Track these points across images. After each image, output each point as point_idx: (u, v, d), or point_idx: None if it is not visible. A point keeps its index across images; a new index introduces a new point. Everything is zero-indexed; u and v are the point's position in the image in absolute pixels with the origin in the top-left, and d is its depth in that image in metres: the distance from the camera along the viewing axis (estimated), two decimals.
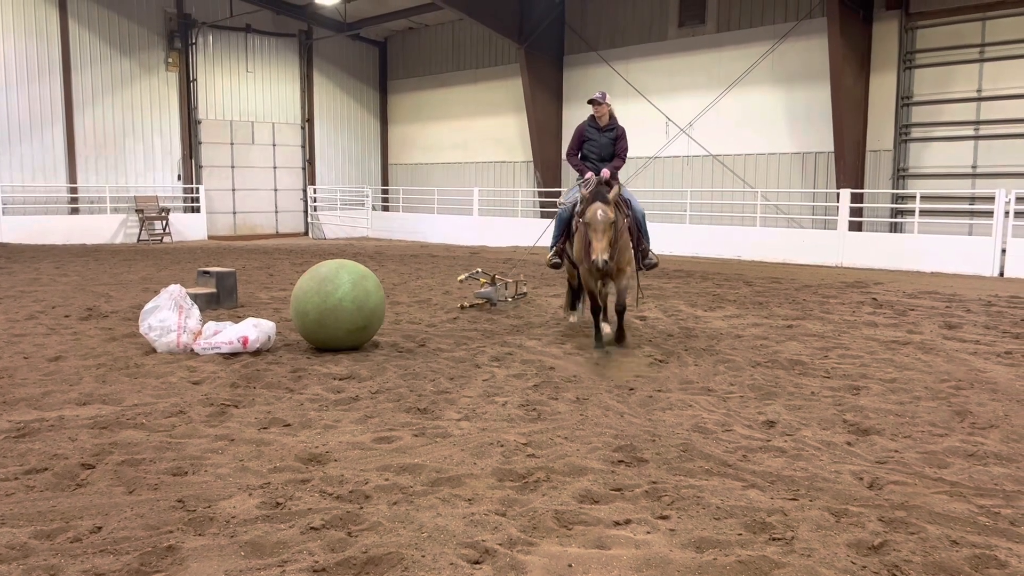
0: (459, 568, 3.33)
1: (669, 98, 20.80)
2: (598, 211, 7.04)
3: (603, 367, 7.14)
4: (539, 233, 21.22)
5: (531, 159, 23.52)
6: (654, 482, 4.33)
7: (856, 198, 17.09)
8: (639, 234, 8.00)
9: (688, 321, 9.61)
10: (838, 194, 17.01)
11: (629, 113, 21.64)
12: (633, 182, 21.45)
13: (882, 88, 17.38)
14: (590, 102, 8.31)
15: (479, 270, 11.86)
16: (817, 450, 4.89)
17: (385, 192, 28.17)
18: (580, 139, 8.43)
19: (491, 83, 24.91)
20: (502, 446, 4.91)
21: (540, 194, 23.04)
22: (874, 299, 11.49)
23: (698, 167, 20.65)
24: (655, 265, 8.31)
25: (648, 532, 3.70)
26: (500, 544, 3.55)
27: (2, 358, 7.36)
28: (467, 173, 26.02)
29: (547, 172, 23.09)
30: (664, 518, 3.86)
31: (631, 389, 6.37)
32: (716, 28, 19.96)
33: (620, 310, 7.88)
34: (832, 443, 5.02)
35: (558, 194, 22.52)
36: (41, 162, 22.06)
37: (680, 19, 20.63)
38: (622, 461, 4.67)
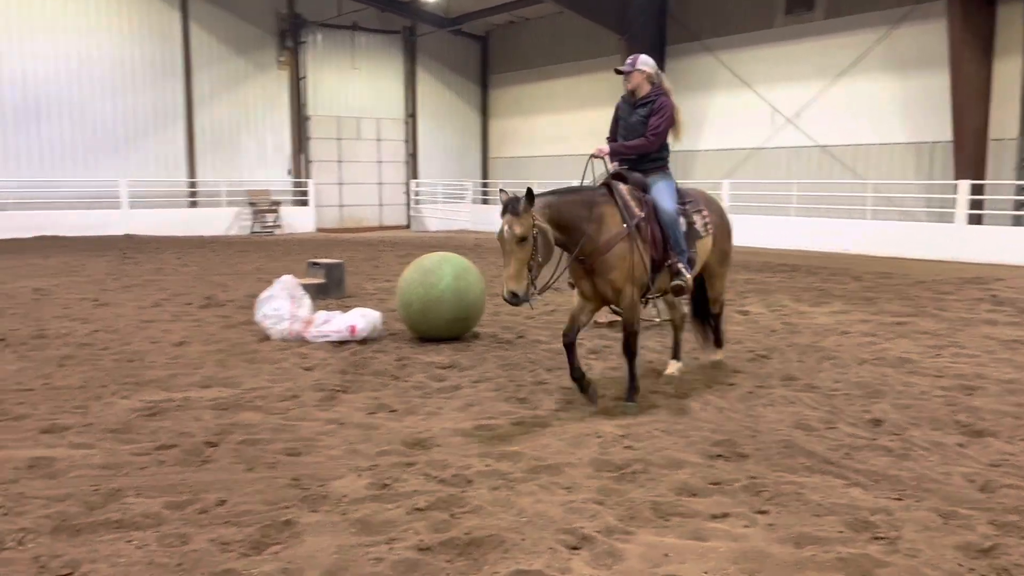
0: (557, 552, 3.43)
1: (775, 88, 20.28)
2: (504, 226, 5.14)
3: (702, 361, 7.09)
4: None
5: None
6: (753, 477, 4.31)
7: (976, 189, 16.24)
8: (665, 245, 5.79)
9: (792, 317, 9.41)
10: (956, 185, 16.22)
11: (733, 104, 21.25)
12: (737, 174, 21.05)
13: (1007, 74, 16.43)
14: (618, 72, 6.33)
15: None
16: (926, 450, 4.75)
17: (485, 185, 28.52)
18: (615, 120, 6.38)
19: (591, 75, 24.83)
20: (599, 437, 4.98)
21: None
22: (994, 296, 10.94)
23: (805, 158, 20.05)
24: (682, 290, 5.93)
25: (746, 526, 3.71)
26: (598, 531, 3.63)
27: (132, 343, 7.90)
28: (567, 166, 26.02)
29: None
30: (763, 513, 3.85)
31: (731, 384, 6.31)
32: (825, 15, 19.31)
33: (625, 349, 5.77)
34: (942, 444, 4.87)
35: None
36: (164, 158, 23.37)
37: (787, 6, 20.06)
38: (721, 456, 4.66)
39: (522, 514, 3.82)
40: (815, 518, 3.79)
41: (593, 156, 5.93)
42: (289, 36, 24.89)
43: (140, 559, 3.38)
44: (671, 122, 6.01)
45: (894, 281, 12.58)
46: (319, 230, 25.25)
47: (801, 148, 20.04)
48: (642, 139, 5.95)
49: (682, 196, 6.10)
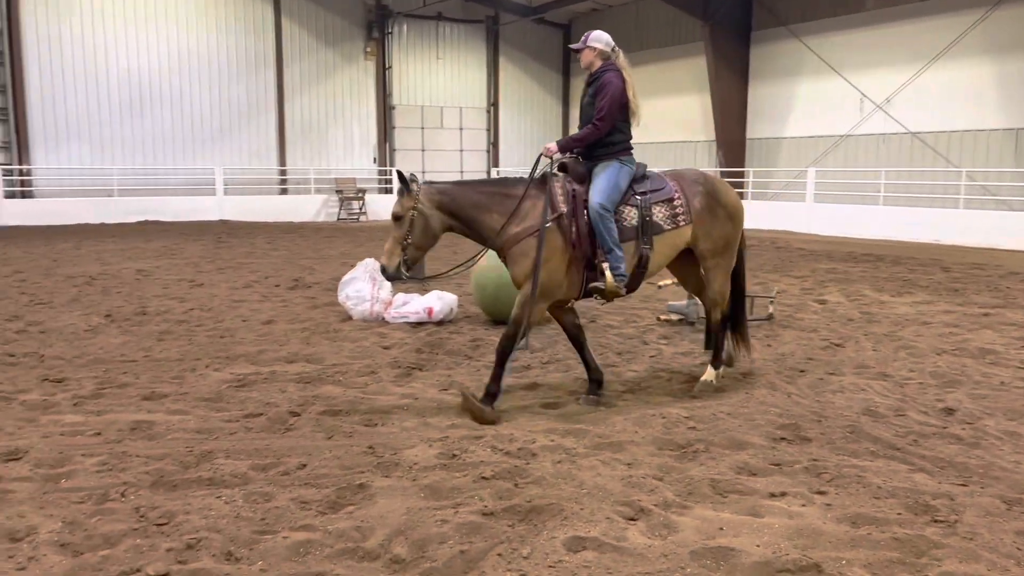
0: (614, 522, 3.57)
1: (864, 73, 19.68)
2: (394, 205, 5.28)
3: (776, 349, 7.07)
4: None
5: (714, 139, 23.06)
6: (815, 459, 4.35)
7: None
8: (592, 241, 5.26)
9: (872, 306, 9.24)
10: None
11: (820, 90, 20.73)
12: (823, 162, 20.55)
13: None
14: (572, 50, 6.00)
15: None
16: (998, 440, 4.69)
17: None
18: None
19: (673, 62, 24.59)
20: (664, 418, 5.08)
21: (723, 174, 22.55)
22: None
23: (895, 145, 19.43)
24: (601, 292, 5.31)
25: (803, 505, 3.77)
26: (655, 505, 3.76)
27: (225, 320, 8.37)
28: (647, 153, 25.80)
29: (730, 152, 22.57)
30: (821, 493, 3.91)
31: (801, 371, 6.30)
32: None
33: (498, 347, 5.33)
34: (1017, 434, 4.79)
35: (742, 174, 21.99)
36: (256, 147, 24.29)
37: None
38: (784, 439, 4.71)
39: (582, 486, 3.98)
40: (874, 500, 3.82)
41: (542, 155, 5.46)
42: (376, 27, 25.47)
43: (228, 513, 3.68)
44: (616, 101, 5.37)
45: (985, 272, 12.14)
46: None
47: (891, 135, 19.42)
48: (588, 126, 5.43)
49: (643, 184, 5.49)
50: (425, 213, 5.22)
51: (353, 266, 8.84)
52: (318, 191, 24.73)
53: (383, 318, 8.26)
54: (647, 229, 5.37)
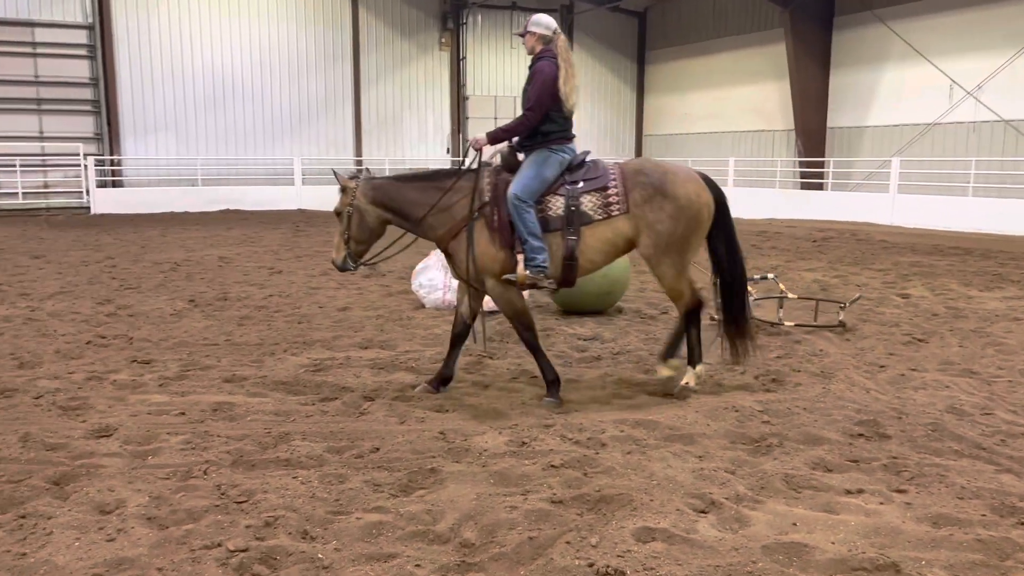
0: (684, 514, 3.54)
1: (954, 59, 18.87)
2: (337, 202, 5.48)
3: (855, 344, 6.88)
4: (797, 204, 20.35)
5: (792, 128, 22.48)
6: (894, 457, 4.22)
7: None
8: (513, 233, 5.15)
9: (959, 301, 8.88)
10: None
11: (906, 76, 19.99)
12: (909, 151, 19.82)
13: None
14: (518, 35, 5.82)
15: (770, 275, 8.21)
16: None
17: None
18: None
19: (752, 50, 24.04)
20: (737, 411, 5.00)
21: (801, 164, 21.99)
22: None
23: (987, 133, 18.59)
24: (519, 283, 5.18)
25: (881, 503, 3.67)
26: (727, 498, 3.71)
27: (302, 307, 8.58)
28: (723, 143, 25.42)
29: (809, 141, 21.96)
30: (901, 491, 3.79)
31: (882, 367, 6.12)
32: None
33: (525, 344, 5.47)
34: None
35: (822, 164, 21.39)
36: (333, 137, 24.77)
37: None
38: (862, 435, 4.58)
39: (652, 477, 3.95)
40: (957, 500, 3.69)
41: (471, 147, 5.36)
42: (451, 18, 25.63)
43: (304, 493, 3.79)
44: (546, 90, 5.20)
45: None
46: None
47: (982, 123, 18.59)
48: (519, 116, 5.32)
49: (576, 173, 5.29)
50: (361, 208, 5.36)
51: (427, 255, 8.94)
52: None
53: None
54: (573, 219, 5.17)
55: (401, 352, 6.61)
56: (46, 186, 21.15)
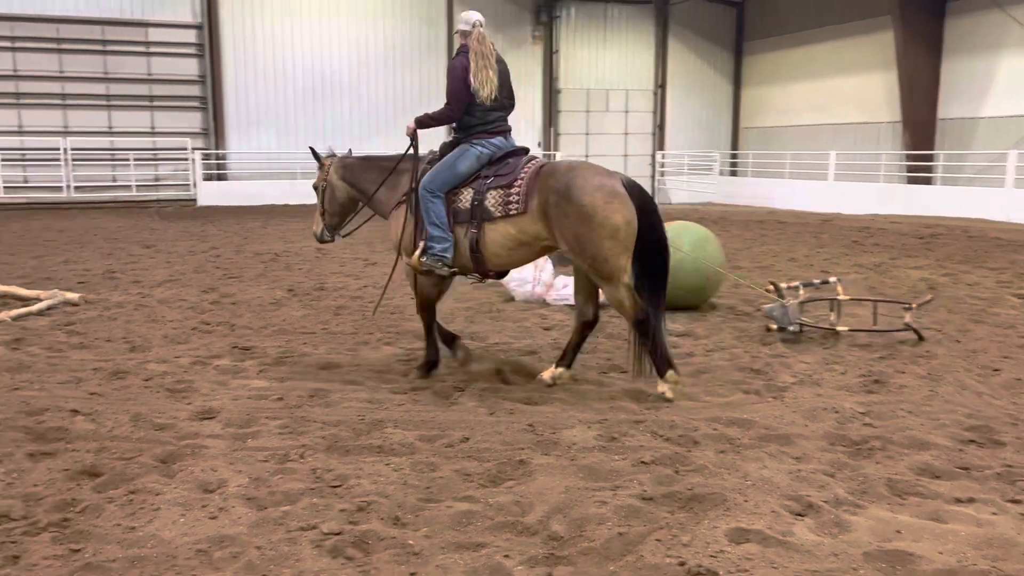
0: (781, 517, 3.43)
1: None
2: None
3: (966, 346, 6.53)
4: (902, 199, 19.49)
5: (899, 119, 21.53)
6: (1009, 466, 3.99)
7: None
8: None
9: None
10: None
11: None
12: None
13: None
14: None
15: (831, 279, 7.63)
16: None
17: (734, 156, 27.66)
18: None
19: (856, 39, 23.12)
20: (837, 412, 4.82)
21: (909, 157, 21.04)
22: None
23: None
24: (413, 268, 5.49)
25: (994, 513, 3.47)
26: (825, 502, 3.57)
27: (395, 298, 8.72)
28: (824, 136, 24.57)
29: (917, 133, 20.98)
30: (1016, 502, 3.58)
31: (996, 370, 5.78)
32: None
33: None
34: None
35: (931, 157, 20.42)
36: (428, 132, 24.95)
37: None
38: (973, 441, 4.34)
39: (747, 477, 3.85)
40: None
41: (406, 133, 5.80)
42: (543, 11, 25.59)
43: (396, 480, 3.85)
44: (454, 86, 5.40)
45: None
46: None
47: None
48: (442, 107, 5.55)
49: (493, 168, 5.38)
50: (332, 184, 6.04)
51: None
52: None
53: (544, 300, 8.34)
54: (476, 214, 5.25)
55: (491, 344, 6.64)
56: (157, 179, 22.22)
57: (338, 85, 23.93)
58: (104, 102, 21.53)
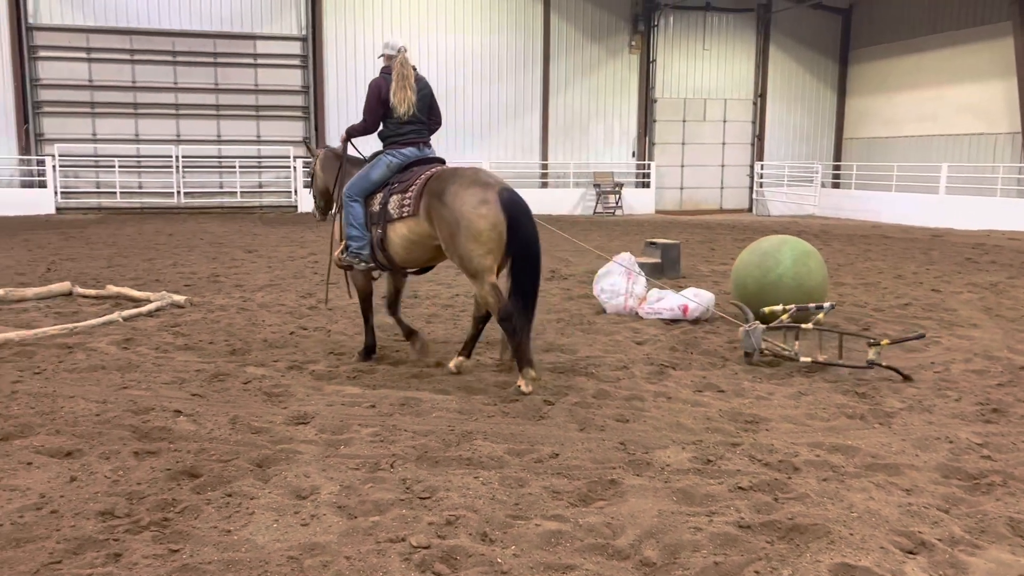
0: (890, 554, 3.22)
1: None
2: None
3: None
4: (1022, 215, 18.38)
5: (1019, 130, 20.35)
6: None
7: None
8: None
9: None
10: None
11: None
12: None
13: None
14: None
15: (827, 304, 7.18)
16: None
17: (836, 168, 26.72)
18: None
19: (971, 46, 22.00)
20: (951, 442, 4.53)
21: None
22: None
23: None
24: (339, 265, 6.26)
25: None
26: (939, 539, 3.35)
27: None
28: (934, 147, 23.45)
29: None
30: None
31: None
32: None
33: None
34: None
35: None
36: (520, 142, 25.21)
37: None
38: None
39: (852, 509, 3.64)
40: None
41: (340, 142, 6.53)
42: (641, 20, 25.36)
43: (484, 494, 3.81)
44: (368, 103, 6.08)
45: None
46: (658, 212, 25.55)
47: None
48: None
49: (400, 175, 5.99)
50: (316, 173, 6.88)
51: (609, 259, 8.85)
52: (576, 185, 25.17)
53: (637, 313, 8.19)
54: (382, 216, 5.89)
55: (581, 357, 6.55)
56: (260, 186, 23.03)
57: (436, 95, 24.25)
58: (214, 112, 22.46)
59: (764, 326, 6.40)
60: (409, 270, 6.34)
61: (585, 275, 10.89)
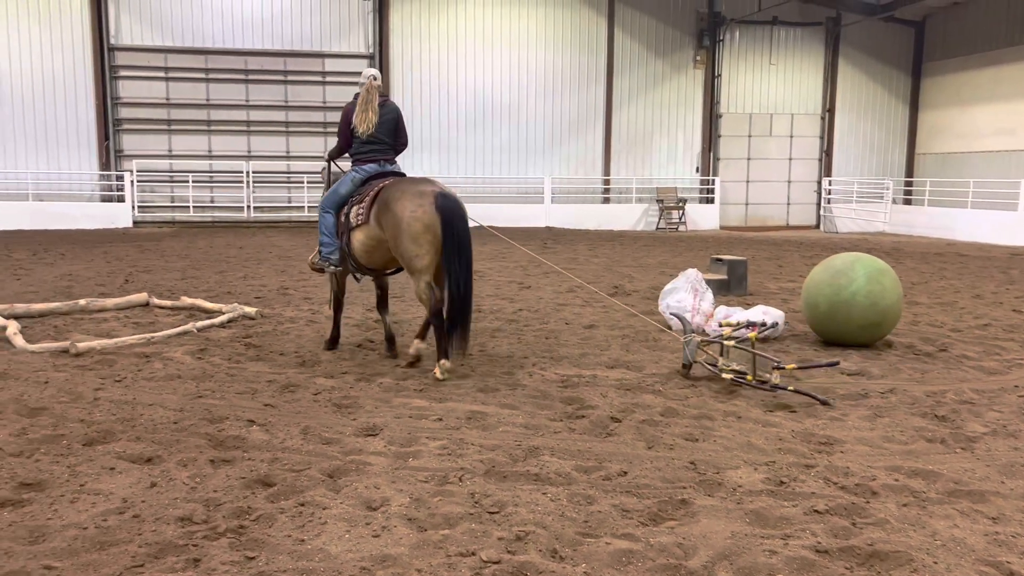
0: None
1: None
2: None
3: None
4: None
5: None
6: None
7: None
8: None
9: None
10: None
11: None
12: None
13: None
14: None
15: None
16: None
17: (908, 184, 26.00)
18: None
19: None
20: None
21: None
22: None
23: None
24: (312, 267, 7.18)
25: None
26: None
27: (549, 322, 8.73)
28: (1013, 162, 22.64)
29: None
30: None
31: None
32: None
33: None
34: None
35: None
36: (583, 157, 25.19)
37: None
38: None
39: (936, 536, 3.52)
40: None
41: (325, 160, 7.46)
42: (707, 35, 25.16)
43: (553, 510, 3.79)
44: (341, 124, 6.90)
45: None
46: (722, 228, 25.22)
47: None
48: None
49: (361, 188, 6.71)
50: (326, 181, 7.48)
51: (673, 276, 8.76)
52: (639, 200, 25.02)
53: (704, 330, 8.08)
54: (347, 224, 6.65)
55: (647, 374, 6.48)
56: None
57: (498, 111, 24.47)
58: (283, 128, 23.03)
59: (699, 338, 6.49)
60: (386, 272, 7.04)
61: (649, 291, 10.80)
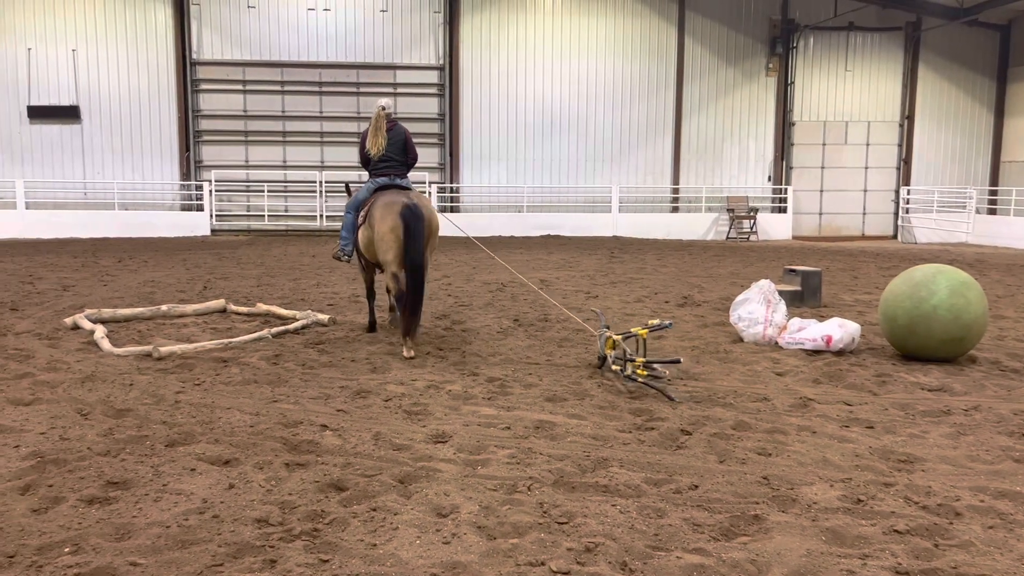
0: None
1: None
2: None
3: None
4: None
5: None
6: None
7: None
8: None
9: None
10: None
11: None
12: None
13: None
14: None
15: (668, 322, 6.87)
16: None
17: (993, 193, 25.03)
18: None
19: None
20: None
21: None
22: None
23: None
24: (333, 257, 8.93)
25: None
26: None
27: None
28: None
29: None
30: None
31: None
32: None
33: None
34: None
35: None
36: (651, 166, 25.01)
37: None
38: None
39: (1023, 560, 3.37)
40: None
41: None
42: (779, 42, 24.72)
43: (623, 523, 3.76)
44: (359, 144, 8.42)
45: None
46: (795, 238, 24.69)
47: None
48: None
49: (370, 197, 8.03)
50: (350, 188, 9.16)
51: (744, 286, 8.61)
52: (708, 209, 24.70)
53: (776, 343, 7.92)
54: (359, 224, 8.08)
55: (718, 387, 6.39)
56: None
57: (566, 121, 24.49)
58: (355, 139, 23.45)
59: (609, 333, 6.81)
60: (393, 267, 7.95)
61: (719, 302, 10.64)
